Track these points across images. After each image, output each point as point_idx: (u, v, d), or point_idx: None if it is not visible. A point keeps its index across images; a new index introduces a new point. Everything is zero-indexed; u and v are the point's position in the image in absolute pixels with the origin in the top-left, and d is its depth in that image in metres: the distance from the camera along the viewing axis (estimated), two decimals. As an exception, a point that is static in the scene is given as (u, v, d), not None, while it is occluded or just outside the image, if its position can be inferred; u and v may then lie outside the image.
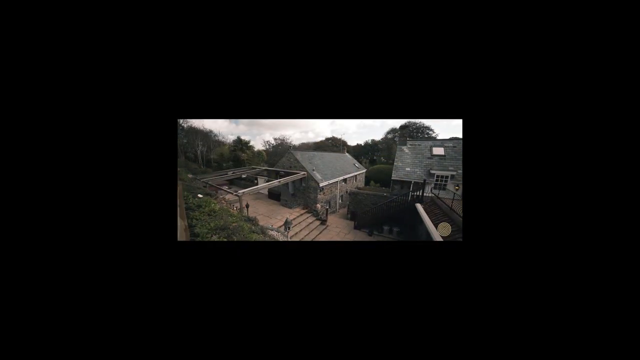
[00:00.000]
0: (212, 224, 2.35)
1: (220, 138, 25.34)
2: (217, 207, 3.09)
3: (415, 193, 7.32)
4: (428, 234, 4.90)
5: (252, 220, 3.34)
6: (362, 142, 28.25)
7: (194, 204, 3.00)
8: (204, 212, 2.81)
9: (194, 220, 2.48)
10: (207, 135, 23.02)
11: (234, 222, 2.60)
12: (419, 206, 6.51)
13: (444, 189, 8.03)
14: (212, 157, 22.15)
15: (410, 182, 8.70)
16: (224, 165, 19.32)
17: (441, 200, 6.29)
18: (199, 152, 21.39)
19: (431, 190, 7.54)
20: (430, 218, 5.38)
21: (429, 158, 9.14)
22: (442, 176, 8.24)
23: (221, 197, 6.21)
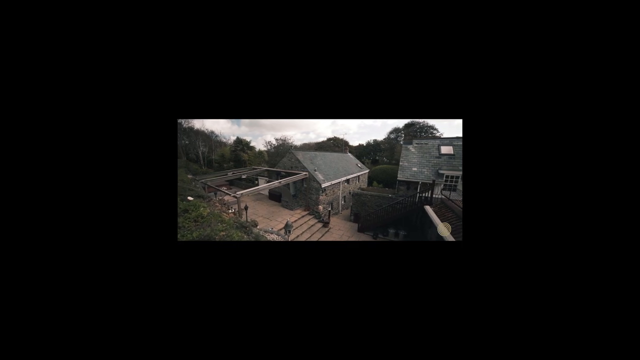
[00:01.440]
0: (194, 234, 1.99)
1: (221, 139, 25.25)
2: (207, 212, 2.73)
3: (423, 194, 6.90)
4: (438, 237, 4.50)
5: (246, 227, 2.98)
6: (363, 142, 27.88)
7: (179, 208, 2.64)
8: (189, 218, 2.45)
9: (175, 229, 2.12)
10: (208, 136, 22.89)
11: (222, 231, 2.24)
12: (428, 208, 6.09)
13: (455, 189, 7.58)
14: (213, 157, 22.00)
15: (418, 182, 8.27)
16: (225, 165, 19.13)
17: (453, 202, 5.87)
18: (200, 152, 21.27)
19: (441, 191, 7.11)
20: (442, 221, 4.95)
21: (437, 157, 8.71)
22: (452, 176, 7.80)
23: (219, 198, 5.89)
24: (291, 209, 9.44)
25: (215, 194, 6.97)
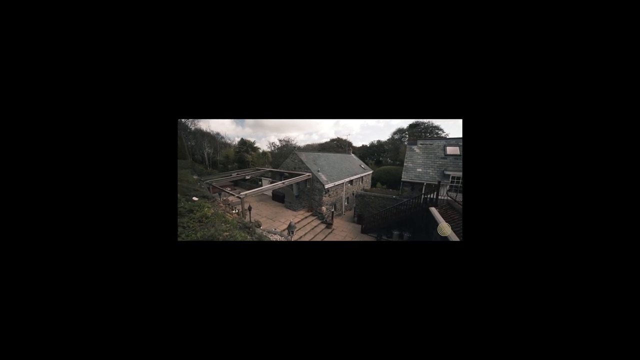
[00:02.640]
0: (198, 234, 2.01)
1: (226, 140, 25.59)
2: (211, 212, 2.75)
3: (428, 195, 6.79)
4: (443, 239, 4.41)
5: (250, 228, 2.98)
6: (367, 143, 27.75)
7: (184, 208, 2.67)
8: (194, 218, 2.47)
9: (179, 229, 2.14)
10: (214, 137, 23.24)
11: (225, 232, 2.24)
12: (434, 210, 5.99)
13: (461, 191, 7.44)
14: (218, 158, 22.29)
15: (422, 183, 8.16)
16: (229, 166, 19.36)
17: (459, 204, 5.75)
18: (205, 154, 21.60)
19: (447, 192, 6.98)
20: (448, 224, 4.86)
21: (442, 158, 8.58)
22: (458, 177, 7.66)
23: (224, 199, 5.94)
24: (294, 210, 9.44)
25: (220, 194, 7.04)
